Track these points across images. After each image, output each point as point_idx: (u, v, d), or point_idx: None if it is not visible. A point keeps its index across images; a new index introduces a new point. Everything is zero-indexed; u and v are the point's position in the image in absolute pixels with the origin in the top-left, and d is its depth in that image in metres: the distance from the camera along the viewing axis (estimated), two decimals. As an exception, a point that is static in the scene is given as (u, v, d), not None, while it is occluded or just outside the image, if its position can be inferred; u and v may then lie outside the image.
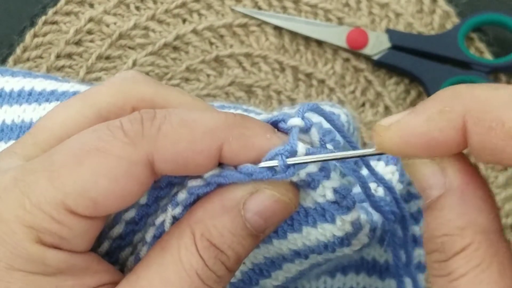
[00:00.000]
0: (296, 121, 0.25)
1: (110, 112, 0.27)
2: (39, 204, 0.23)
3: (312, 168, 0.25)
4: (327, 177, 0.25)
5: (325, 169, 0.25)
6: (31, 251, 0.24)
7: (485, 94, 0.22)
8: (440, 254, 0.23)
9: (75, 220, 0.24)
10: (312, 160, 0.25)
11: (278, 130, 0.26)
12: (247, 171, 0.24)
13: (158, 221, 0.26)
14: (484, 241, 0.22)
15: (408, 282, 0.36)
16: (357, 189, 0.31)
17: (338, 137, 0.33)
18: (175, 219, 0.26)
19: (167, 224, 0.26)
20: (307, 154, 0.25)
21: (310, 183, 0.25)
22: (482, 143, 0.22)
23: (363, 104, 0.54)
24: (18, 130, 0.38)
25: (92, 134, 0.24)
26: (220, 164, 0.25)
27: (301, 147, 0.24)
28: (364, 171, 0.33)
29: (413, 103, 0.54)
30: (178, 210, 0.26)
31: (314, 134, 0.25)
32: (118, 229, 0.27)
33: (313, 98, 0.54)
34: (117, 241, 0.28)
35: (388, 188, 0.30)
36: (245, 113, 0.38)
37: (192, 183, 0.26)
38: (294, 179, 0.25)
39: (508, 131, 0.21)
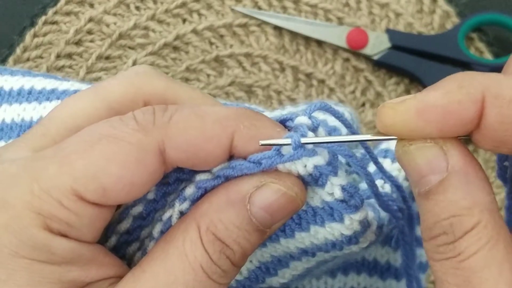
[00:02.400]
0: (303, 120, 0.25)
1: (122, 105, 0.27)
2: (48, 190, 0.23)
3: (320, 160, 0.25)
4: (335, 173, 0.25)
5: (332, 163, 0.25)
6: (38, 238, 0.23)
7: (500, 76, 0.23)
8: (448, 236, 0.23)
9: (84, 206, 0.24)
10: (324, 141, 0.24)
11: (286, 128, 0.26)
12: (256, 158, 0.24)
13: (166, 216, 0.26)
14: (491, 219, 0.23)
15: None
16: (363, 185, 0.31)
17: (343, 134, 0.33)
18: (182, 214, 0.26)
19: (174, 220, 0.26)
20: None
21: (317, 179, 0.25)
22: (501, 117, 0.22)
23: (363, 104, 0.54)
24: (18, 129, 0.38)
25: (104, 124, 0.25)
26: (230, 159, 0.25)
27: (311, 135, 0.25)
28: (371, 168, 0.33)
29: (413, 103, 0.54)
30: (185, 205, 0.26)
31: (322, 133, 0.25)
32: (125, 224, 0.27)
33: (313, 98, 0.54)
34: (125, 236, 0.28)
35: (396, 186, 0.30)
36: None
37: (200, 177, 0.25)
38: (302, 172, 0.25)
39: None
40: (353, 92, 0.54)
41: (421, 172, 0.23)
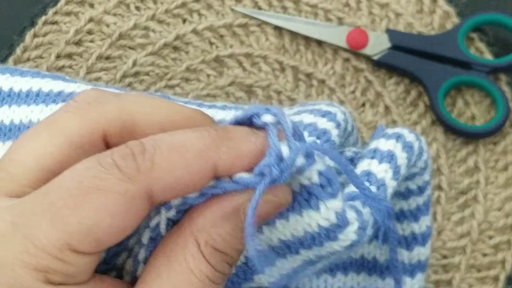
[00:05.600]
0: (267, 118, 0.26)
1: (82, 137, 0.27)
2: (44, 247, 0.24)
3: (300, 161, 0.25)
4: (314, 161, 0.26)
5: (310, 157, 0.26)
6: None
7: None
8: None
9: (79, 257, 0.24)
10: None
11: (253, 125, 0.26)
12: (243, 182, 0.25)
13: (153, 223, 0.27)
14: None
15: (407, 281, 0.36)
16: (350, 188, 0.31)
17: (334, 137, 0.33)
18: (170, 221, 0.26)
19: (162, 226, 0.26)
20: (291, 150, 0.25)
21: (298, 170, 0.26)
22: None
23: (363, 104, 0.54)
24: (25, 130, 0.38)
25: (86, 172, 0.24)
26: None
27: (285, 150, 0.25)
28: (359, 169, 0.33)
29: (413, 103, 0.54)
30: (172, 213, 0.26)
31: (288, 127, 0.26)
32: None
33: (313, 98, 0.54)
34: (113, 248, 0.28)
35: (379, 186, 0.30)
36: None
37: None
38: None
39: None
40: (353, 92, 0.54)
41: None
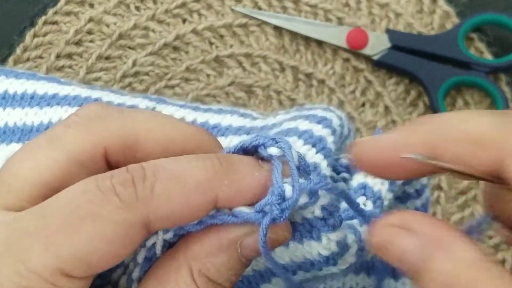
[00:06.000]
0: (273, 151, 0.25)
1: (83, 154, 0.26)
2: (35, 270, 0.23)
3: (304, 199, 0.25)
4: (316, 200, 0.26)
5: (314, 195, 0.25)
6: None
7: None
8: None
9: (71, 281, 0.24)
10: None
11: (258, 154, 0.26)
12: (243, 217, 0.25)
13: (149, 243, 0.26)
14: (484, 273, 0.22)
15: (408, 281, 0.36)
16: (345, 205, 0.31)
17: (330, 144, 0.33)
18: (166, 242, 0.26)
19: (158, 247, 0.26)
20: (294, 190, 0.25)
21: (301, 207, 0.26)
22: None
23: (363, 104, 0.54)
24: (19, 133, 0.38)
25: (84, 196, 0.24)
26: None
27: (288, 189, 0.25)
28: (355, 181, 0.33)
29: (413, 103, 0.54)
30: (169, 235, 0.26)
31: (293, 162, 0.25)
32: None
33: (313, 98, 0.54)
34: None
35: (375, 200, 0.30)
36: (242, 118, 0.38)
37: None
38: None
39: None
40: (353, 92, 0.54)
41: (401, 260, 0.23)
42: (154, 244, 0.26)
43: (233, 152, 0.26)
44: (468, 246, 0.22)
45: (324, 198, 0.26)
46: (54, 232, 0.24)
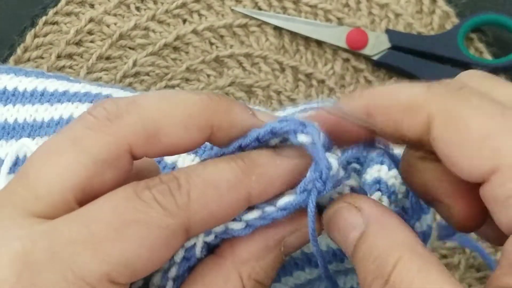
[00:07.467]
0: (304, 138, 0.26)
1: (108, 154, 0.26)
2: (84, 277, 0.24)
3: (340, 173, 0.26)
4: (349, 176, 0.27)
5: (346, 169, 0.26)
6: None
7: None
8: (379, 279, 0.23)
9: None
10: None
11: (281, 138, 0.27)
12: (291, 206, 0.26)
13: (188, 244, 0.27)
14: (414, 252, 0.23)
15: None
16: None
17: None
18: (206, 244, 0.27)
19: (198, 248, 0.27)
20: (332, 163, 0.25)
21: (334, 184, 0.26)
22: None
23: (363, 104, 0.54)
24: (29, 129, 0.39)
25: (126, 204, 0.25)
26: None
27: (334, 164, 0.25)
28: (369, 175, 0.33)
29: (413, 103, 0.54)
30: (211, 238, 0.27)
31: (322, 137, 0.26)
32: None
33: (313, 98, 0.54)
34: None
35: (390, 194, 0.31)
36: None
37: (232, 226, 0.26)
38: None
39: None
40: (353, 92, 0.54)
41: (344, 233, 0.25)
42: (194, 245, 0.27)
43: (263, 136, 0.27)
44: (403, 229, 0.25)
45: (354, 180, 0.27)
46: (101, 239, 0.24)
